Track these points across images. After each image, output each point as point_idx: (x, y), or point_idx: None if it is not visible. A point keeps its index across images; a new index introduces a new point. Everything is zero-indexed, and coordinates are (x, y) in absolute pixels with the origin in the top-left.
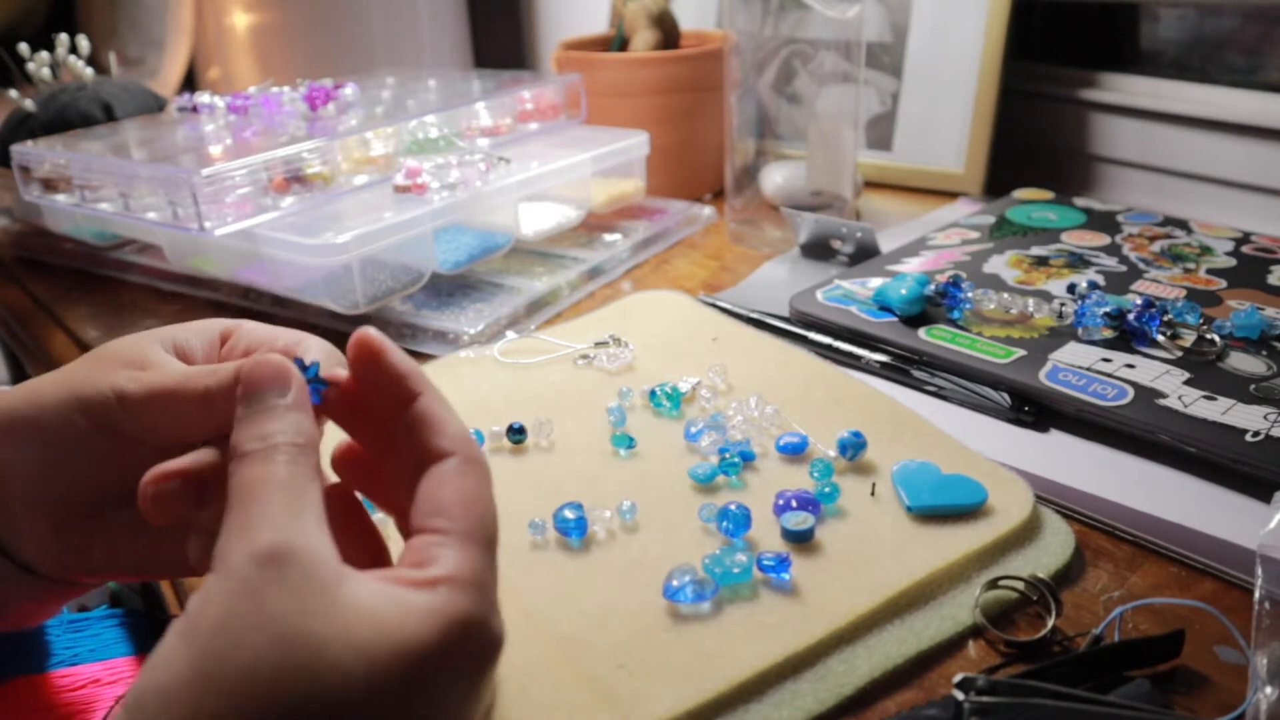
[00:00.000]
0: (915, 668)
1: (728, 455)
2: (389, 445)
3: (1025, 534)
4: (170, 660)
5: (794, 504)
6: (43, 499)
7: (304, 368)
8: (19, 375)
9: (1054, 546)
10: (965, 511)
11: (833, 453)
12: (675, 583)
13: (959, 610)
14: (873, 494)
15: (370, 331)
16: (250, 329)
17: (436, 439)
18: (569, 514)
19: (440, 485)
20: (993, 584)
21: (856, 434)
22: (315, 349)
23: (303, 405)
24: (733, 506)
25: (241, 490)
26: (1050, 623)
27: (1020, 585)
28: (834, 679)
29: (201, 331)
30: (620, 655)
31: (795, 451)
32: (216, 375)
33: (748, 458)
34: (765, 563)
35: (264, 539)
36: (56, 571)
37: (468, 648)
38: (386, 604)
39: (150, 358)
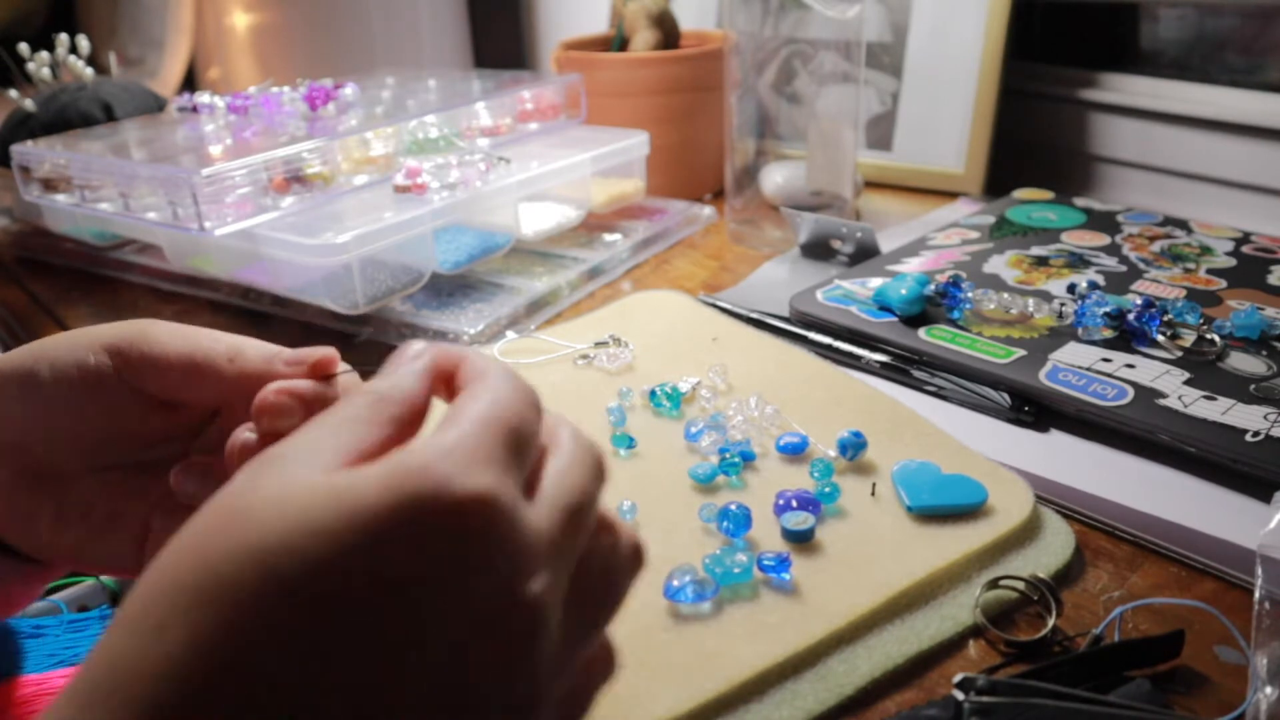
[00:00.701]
0: (915, 668)
1: (728, 455)
2: None
3: (1025, 534)
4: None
5: (794, 504)
6: (29, 452)
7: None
8: None
9: (1054, 546)
10: (965, 511)
11: (833, 453)
12: (676, 583)
13: (959, 610)
14: (873, 494)
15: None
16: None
17: (470, 372)
18: None
19: (460, 399)
20: (993, 584)
21: (857, 434)
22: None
23: (420, 373)
24: (733, 506)
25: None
26: (1050, 623)
27: (1020, 585)
28: (834, 679)
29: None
30: (620, 655)
31: (795, 451)
32: (251, 350)
33: (748, 458)
34: (766, 563)
35: (267, 450)
36: (25, 544)
37: (420, 506)
38: (333, 476)
39: (165, 324)
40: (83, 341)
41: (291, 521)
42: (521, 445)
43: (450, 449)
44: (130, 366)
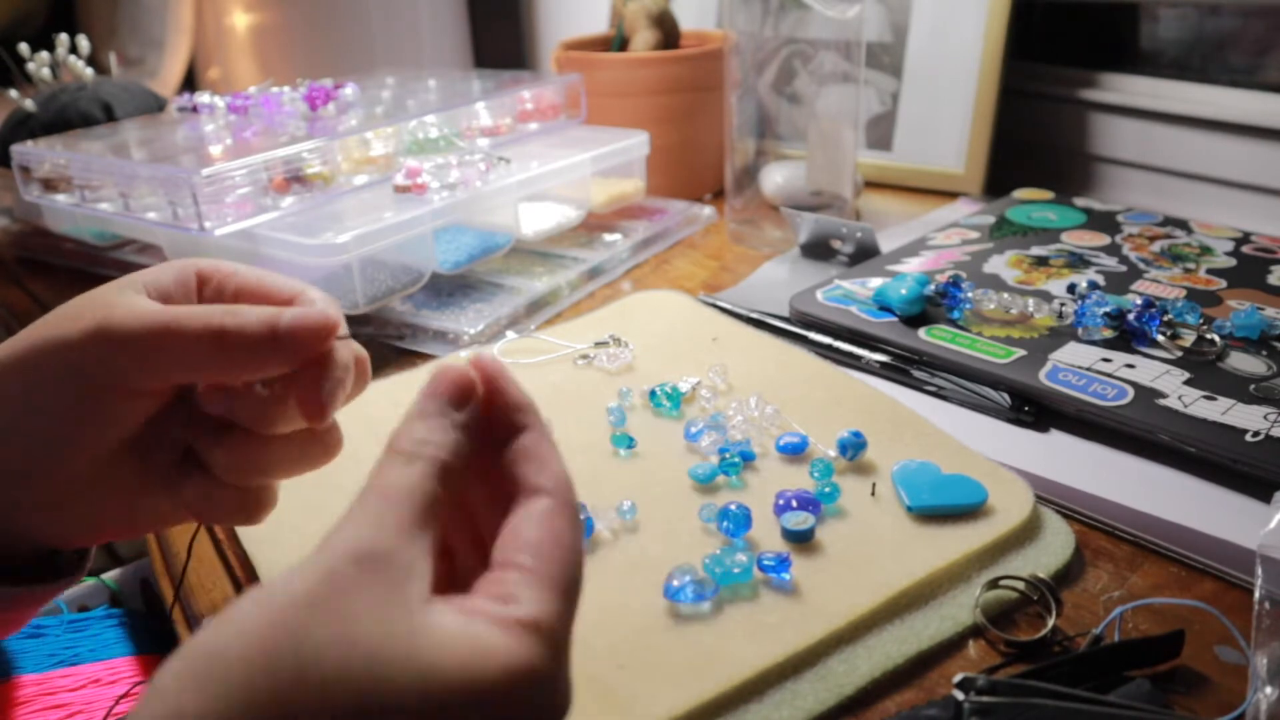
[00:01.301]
0: (915, 668)
1: (728, 455)
2: (483, 471)
3: (1025, 534)
4: (240, 623)
5: (794, 504)
6: (21, 470)
7: None
8: None
9: (1054, 546)
10: (965, 511)
11: (833, 453)
12: (675, 583)
13: (959, 610)
14: (873, 494)
15: (488, 359)
16: (234, 272)
17: (536, 475)
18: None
19: (532, 522)
20: (993, 584)
21: (856, 434)
22: (319, 300)
23: (470, 426)
24: (733, 506)
25: (374, 484)
26: (1050, 623)
27: (1020, 585)
28: (834, 679)
29: (178, 272)
30: (620, 655)
31: (795, 451)
32: (238, 317)
33: (748, 458)
34: (765, 563)
35: (367, 539)
36: (47, 538)
37: (533, 701)
38: (461, 637)
39: (123, 300)
40: (36, 343)
41: (425, 695)
42: (578, 598)
43: (556, 637)
44: (82, 373)
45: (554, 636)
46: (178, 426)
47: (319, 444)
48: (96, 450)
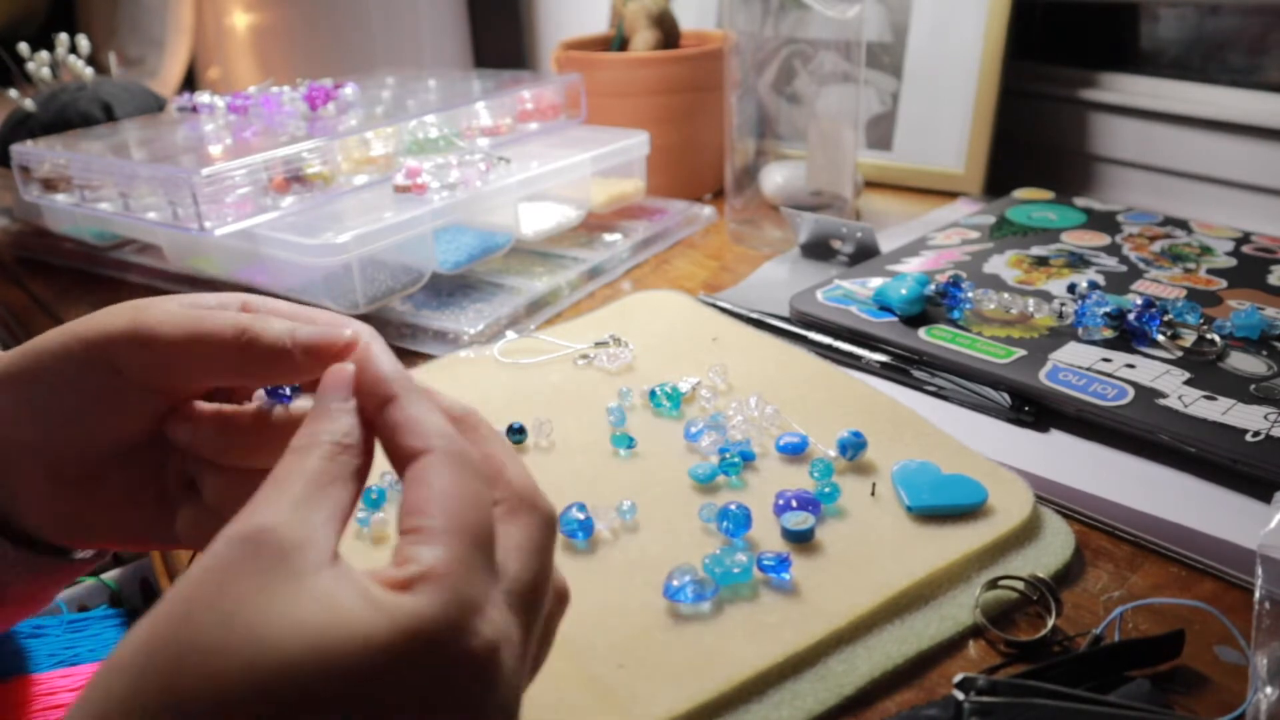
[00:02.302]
0: (915, 668)
1: (728, 455)
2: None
3: (1025, 534)
4: (133, 631)
5: (794, 504)
6: (43, 453)
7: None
8: None
9: (1054, 546)
10: (965, 511)
11: (833, 453)
12: (675, 583)
13: (959, 610)
14: (873, 494)
15: (359, 336)
16: (277, 308)
17: (409, 439)
18: (577, 514)
19: (418, 484)
20: (993, 584)
21: (856, 434)
22: (363, 331)
23: (356, 413)
24: (733, 506)
25: (270, 478)
26: (1050, 622)
27: (1020, 585)
28: (834, 679)
29: (223, 296)
30: (620, 655)
31: (795, 451)
32: (263, 322)
33: (748, 458)
34: (765, 563)
35: (249, 521)
36: (57, 536)
37: (435, 654)
38: (354, 598)
39: (159, 302)
40: (67, 341)
41: (316, 654)
42: (492, 544)
43: (457, 584)
44: (114, 370)
45: (450, 583)
46: (180, 451)
47: None
48: (116, 437)
